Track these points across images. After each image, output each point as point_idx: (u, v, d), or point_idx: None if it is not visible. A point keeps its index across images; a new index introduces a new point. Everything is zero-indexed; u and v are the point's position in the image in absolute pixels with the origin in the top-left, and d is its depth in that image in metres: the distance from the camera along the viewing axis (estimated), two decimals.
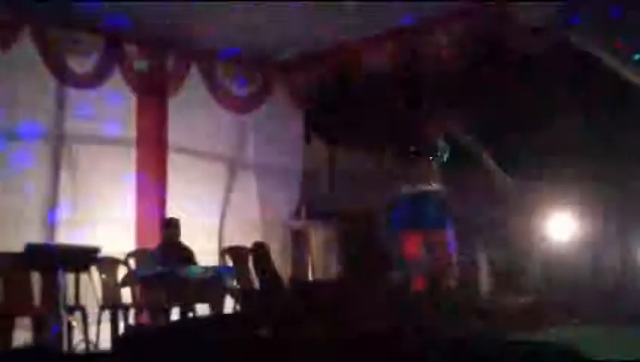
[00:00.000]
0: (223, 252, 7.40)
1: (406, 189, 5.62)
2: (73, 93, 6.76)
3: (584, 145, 7.90)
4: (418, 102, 6.20)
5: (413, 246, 5.96)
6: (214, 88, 7.71)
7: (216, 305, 6.62)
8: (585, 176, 7.68)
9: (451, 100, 7.95)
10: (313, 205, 8.60)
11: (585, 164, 7.78)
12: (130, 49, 7.16)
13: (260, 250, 7.34)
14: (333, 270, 8.62)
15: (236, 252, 7.37)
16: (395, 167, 6.05)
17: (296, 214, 8.52)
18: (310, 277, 8.38)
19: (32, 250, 4.99)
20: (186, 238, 6.89)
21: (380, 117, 8.39)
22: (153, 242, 6.86)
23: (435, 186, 5.87)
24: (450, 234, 5.98)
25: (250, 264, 7.31)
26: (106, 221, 6.74)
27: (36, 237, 6.11)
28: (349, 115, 8.47)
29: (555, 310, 7.05)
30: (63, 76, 6.60)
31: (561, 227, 7.59)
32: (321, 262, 8.76)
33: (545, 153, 8.08)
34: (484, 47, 6.83)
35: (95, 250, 5.33)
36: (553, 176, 7.88)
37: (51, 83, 6.60)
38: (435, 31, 7.08)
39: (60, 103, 6.72)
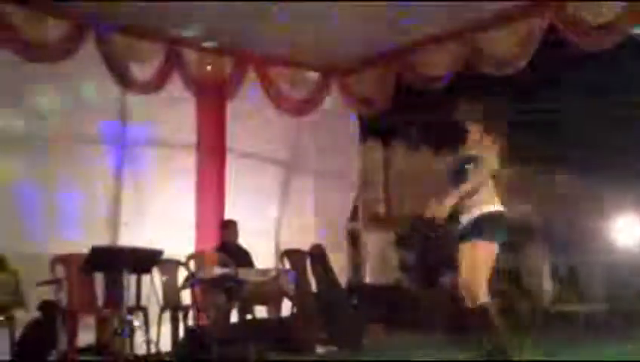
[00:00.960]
0: (281, 254, 7.44)
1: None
2: (136, 98, 6.90)
3: None
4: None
5: None
6: (271, 92, 7.78)
7: (274, 307, 6.67)
8: None
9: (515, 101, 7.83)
10: (370, 207, 8.59)
11: None
12: (190, 54, 7.27)
13: (317, 253, 7.35)
14: (390, 273, 8.58)
15: (294, 254, 7.40)
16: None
17: (353, 217, 8.52)
18: (367, 280, 8.37)
19: (97, 252, 5.12)
20: (244, 240, 6.97)
21: (438, 120, 8.33)
22: (212, 244, 6.96)
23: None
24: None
25: (308, 266, 7.33)
26: (167, 223, 6.84)
27: (100, 238, 6.24)
28: (406, 118, 8.44)
29: (621, 319, 6.85)
30: (126, 81, 6.74)
31: (628, 231, 7.38)
32: (378, 264, 8.74)
33: (611, 154, 7.88)
34: (547, 46, 6.70)
35: (159, 253, 5.43)
36: (620, 177, 7.67)
37: (114, 88, 6.74)
38: (496, 30, 6.95)
39: (123, 108, 6.87)
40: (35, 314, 5.31)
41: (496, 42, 6.92)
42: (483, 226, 4.28)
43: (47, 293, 5.34)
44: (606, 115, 7.87)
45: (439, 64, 7.37)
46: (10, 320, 5.08)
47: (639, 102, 7.42)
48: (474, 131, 4.61)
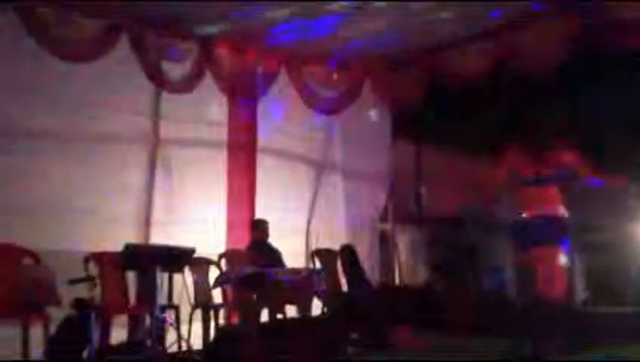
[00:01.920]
0: (312, 254, 7.43)
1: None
2: (168, 97, 6.93)
3: None
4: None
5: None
6: (302, 90, 7.77)
7: (305, 306, 6.65)
8: None
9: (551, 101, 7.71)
10: (401, 207, 8.53)
11: None
12: (221, 53, 7.28)
13: (348, 253, 7.33)
14: (421, 273, 8.51)
15: (325, 254, 7.38)
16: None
17: (384, 216, 8.47)
18: (398, 281, 8.31)
19: (130, 250, 5.15)
20: (274, 239, 6.97)
21: (472, 119, 8.25)
22: (243, 243, 6.98)
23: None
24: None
25: (339, 266, 7.31)
26: (198, 222, 6.87)
27: (132, 236, 6.29)
28: (438, 117, 8.36)
29: None
30: (159, 80, 6.77)
31: None
32: (409, 264, 8.67)
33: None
34: (581, 45, 6.59)
35: (191, 251, 5.45)
36: None
37: (148, 86, 6.77)
38: (531, 29, 6.87)
39: (156, 106, 6.90)
40: (68, 311, 5.34)
41: (529, 42, 6.86)
42: None
43: (81, 291, 5.37)
44: None
45: (471, 64, 7.31)
46: (44, 318, 5.12)
47: None
48: None
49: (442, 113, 8.34)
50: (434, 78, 7.72)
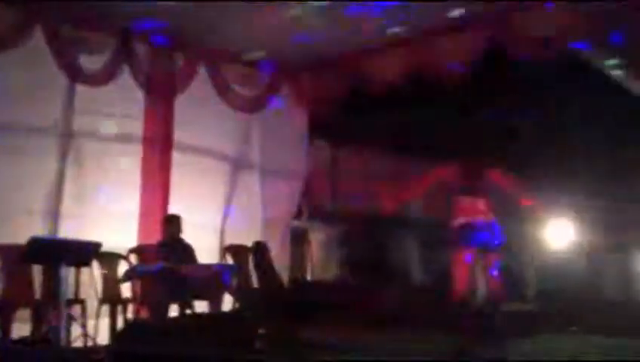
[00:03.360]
0: (224, 250, 7.51)
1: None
2: (83, 91, 6.87)
3: (588, 156, 7.96)
4: None
5: None
6: (221, 87, 7.81)
7: (215, 302, 6.73)
8: (587, 186, 7.75)
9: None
10: (315, 205, 8.71)
11: (587, 174, 7.85)
12: (140, 48, 7.27)
13: (259, 249, 7.44)
14: (333, 271, 8.71)
15: (237, 250, 7.47)
16: None
17: (298, 214, 8.62)
18: (310, 278, 8.48)
19: (35, 243, 5.12)
20: (188, 235, 6.99)
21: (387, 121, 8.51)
22: (156, 238, 6.97)
23: None
24: None
25: (250, 263, 7.42)
26: (110, 216, 6.84)
27: (41, 230, 6.22)
28: (356, 119, 8.58)
29: (555, 318, 7.14)
30: (73, 73, 6.70)
31: (560, 235, 7.65)
32: (321, 262, 8.86)
33: (547, 162, 8.15)
34: (493, 57, 6.92)
35: (97, 245, 5.45)
36: (555, 185, 7.95)
37: (61, 80, 6.70)
38: (444, 40, 7.15)
39: (70, 100, 6.83)
40: None
41: (444, 51, 7.14)
42: None
43: None
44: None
45: (389, 69, 7.55)
46: None
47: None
48: None
49: (360, 115, 8.57)
50: (352, 80, 7.90)
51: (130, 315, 6.41)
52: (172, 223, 6.92)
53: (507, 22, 6.79)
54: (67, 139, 6.76)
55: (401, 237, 8.67)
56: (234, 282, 6.80)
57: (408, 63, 7.45)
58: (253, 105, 8.11)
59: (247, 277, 7.33)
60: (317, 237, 8.70)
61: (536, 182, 7.92)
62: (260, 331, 6.49)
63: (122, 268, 6.52)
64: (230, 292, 6.85)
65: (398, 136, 8.94)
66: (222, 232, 7.85)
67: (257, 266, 7.33)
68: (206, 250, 7.23)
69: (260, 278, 7.28)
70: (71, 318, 5.61)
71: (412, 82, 7.49)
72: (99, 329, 6.10)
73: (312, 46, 7.52)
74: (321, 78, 8.26)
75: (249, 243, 7.61)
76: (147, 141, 7.35)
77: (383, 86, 7.63)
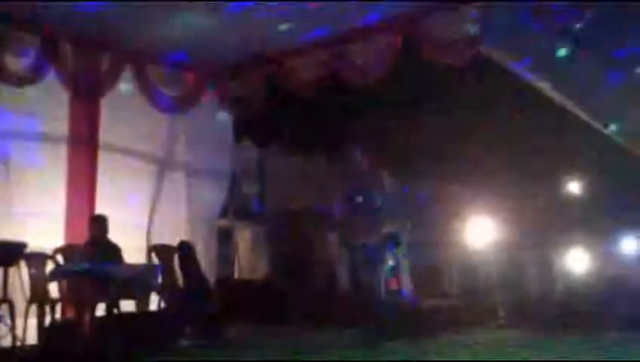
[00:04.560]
0: (150, 250, 7.63)
1: None
2: (9, 90, 6.86)
3: (504, 154, 8.49)
4: None
5: None
6: (146, 88, 7.91)
7: (142, 302, 6.87)
8: (503, 184, 8.28)
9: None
10: (241, 205, 8.92)
11: (504, 173, 8.39)
12: (66, 48, 7.29)
13: (185, 249, 7.60)
14: (261, 270, 8.95)
15: (162, 250, 7.60)
16: None
17: (224, 213, 8.80)
18: (236, 276, 8.69)
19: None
20: (114, 235, 7.07)
21: (308, 123, 8.82)
22: (82, 238, 7.02)
23: None
24: None
25: (176, 262, 7.57)
26: (37, 216, 6.86)
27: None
28: (278, 120, 8.85)
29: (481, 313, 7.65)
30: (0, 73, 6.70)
31: (481, 232, 8.10)
32: (248, 261, 9.10)
33: (465, 161, 8.64)
34: (403, 60, 7.26)
35: (22, 246, 5.51)
36: (473, 183, 8.46)
37: None
38: (358, 42, 7.46)
39: None
40: None
41: (359, 54, 7.45)
42: None
43: None
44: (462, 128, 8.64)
45: (308, 71, 7.82)
46: None
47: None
48: None
49: (284, 116, 8.84)
50: (274, 82, 8.14)
51: (57, 315, 6.47)
52: (98, 223, 6.97)
53: (421, 24, 7.11)
54: None
55: (327, 236, 8.96)
56: (160, 281, 6.94)
57: (326, 65, 7.73)
58: (179, 106, 8.23)
59: (173, 277, 7.48)
60: (243, 236, 8.91)
61: (458, 182, 8.38)
62: (186, 330, 6.72)
63: (50, 267, 6.57)
64: (156, 292, 7.00)
65: (322, 137, 9.27)
66: (148, 232, 7.96)
67: (182, 266, 7.49)
68: (133, 250, 7.32)
69: (185, 277, 7.45)
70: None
71: (330, 84, 7.78)
72: (27, 328, 6.15)
73: (233, 47, 7.73)
74: (243, 80, 8.45)
75: (175, 243, 7.75)
76: (73, 141, 7.38)
77: (303, 87, 7.88)
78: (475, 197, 8.52)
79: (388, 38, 7.27)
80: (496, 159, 8.52)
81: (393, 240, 8.12)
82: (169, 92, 8.14)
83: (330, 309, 7.83)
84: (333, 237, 8.90)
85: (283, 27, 7.27)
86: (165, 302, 7.05)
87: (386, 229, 8.19)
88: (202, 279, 7.49)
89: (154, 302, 7.09)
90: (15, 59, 6.88)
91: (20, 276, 6.29)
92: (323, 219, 9.01)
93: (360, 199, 8.58)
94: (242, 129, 8.88)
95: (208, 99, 8.48)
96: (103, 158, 7.58)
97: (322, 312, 7.76)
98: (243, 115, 8.65)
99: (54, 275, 6.37)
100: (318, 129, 9.09)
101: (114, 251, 6.91)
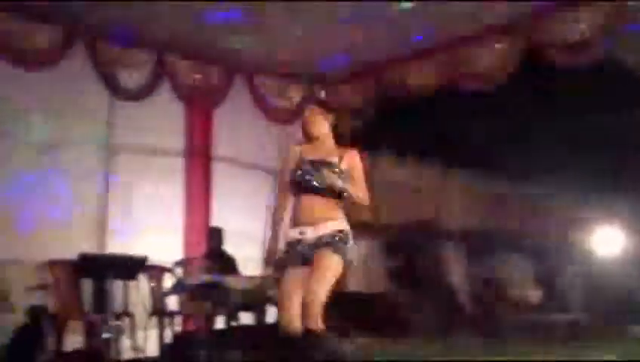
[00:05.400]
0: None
1: None
2: (125, 105, 6.98)
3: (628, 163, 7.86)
4: None
5: None
6: (259, 100, 7.90)
7: (260, 313, 6.75)
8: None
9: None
10: (356, 215, 8.67)
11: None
12: (178, 63, 7.37)
13: None
14: (374, 282, 8.68)
15: (279, 261, 7.46)
16: None
17: None
18: (352, 289, 8.44)
19: (84, 259, 5.21)
20: (230, 247, 7.05)
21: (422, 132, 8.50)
22: (199, 251, 7.04)
23: None
24: None
25: None
26: (155, 229, 6.92)
27: (89, 244, 6.32)
28: (389, 129, 8.59)
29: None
30: (115, 89, 6.83)
31: (605, 241, 7.55)
32: (362, 273, 8.84)
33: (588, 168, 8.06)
34: (524, 63, 6.85)
35: (143, 260, 5.52)
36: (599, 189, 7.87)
37: (103, 95, 6.82)
38: (478, 47, 7.10)
39: (112, 115, 6.94)
40: (23, 319, 5.36)
41: (477, 58, 7.10)
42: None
43: (36, 298, 5.40)
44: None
45: (422, 77, 7.53)
46: None
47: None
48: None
49: (396, 124, 8.57)
50: (386, 90, 7.91)
51: (177, 327, 6.46)
52: (214, 235, 6.99)
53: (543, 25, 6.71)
54: (111, 154, 6.88)
55: (441, 247, 8.63)
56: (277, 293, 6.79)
57: (441, 70, 7.42)
58: (292, 116, 8.15)
59: None
60: (359, 247, 8.66)
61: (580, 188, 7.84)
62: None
63: (169, 280, 6.57)
64: (274, 304, 6.85)
65: (435, 145, 8.93)
66: (264, 243, 7.86)
67: None
68: (249, 262, 7.26)
69: None
70: (120, 330, 5.68)
71: (445, 91, 7.46)
72: (147, 341, 6.16)
73: (342, 55, 7.56)
74: (354, 88, 8.27)
75: None
76: (188, 154, 7.47)
77: (417, 95, 7.60)
78: (599, 204, 7.92)
79: (508, 40, 6.89)
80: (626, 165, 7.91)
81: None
82: (278, 102, 8.06)
83: (451, 322, 7.47)
84: (451, 250, 8.52)
85: (394, 32, 7.01)
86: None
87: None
88: None
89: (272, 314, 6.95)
90: (130, 76, 7.01)
91: (139, 289, 6.32)
92: (441, 231, 8.65)
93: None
94: (352, 138, 8.65)
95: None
96: (217, 170, 7.59)
97: (444, 325, 7.41)
98: (352, 124, 8.45)
99: (175, 289, 6.35)
100: (433, 138, 8.74)
101: (231, 263, 6.87)
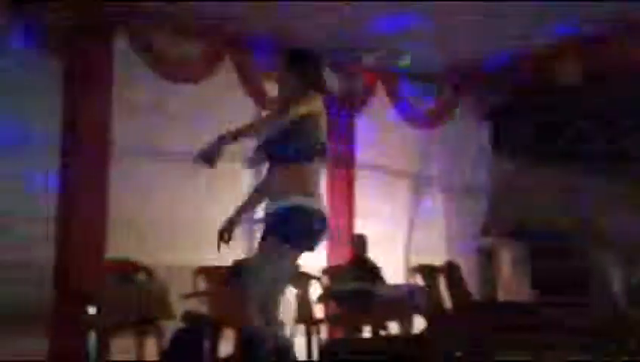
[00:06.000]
0: (414, 270, 7.37)
1: None
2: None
3: None
4: None
5: None
6: (398, 104, 7.77)
7: (406, 323, 6.60)
8: None
9: None
10: (502, 222, 8.34)
11: None
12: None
13: (452, 270, 7.23)
14: (525, 291, 8.29)
15: (427, 270, 7.29)
16: None
17: (484, 231, 8.30)
18: (499, 298, 8.13)
19: (237, 266, 5.28)
20: (372, 254, 6.95)
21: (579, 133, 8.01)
22: (342, 258, 7.00)
23: None
24: None
25: (441, 283, 7.22)
26: None
27: (236, 253, 6.41)
28: (540, 128, 8.18)
29: None
30: (262, 101, 6.93)
31: None
32: (511, 282, 8.47)
33: None
34: None
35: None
36: None
37: (251, 107, 6.94)
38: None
39: None
40: (179, 324, 5.51)
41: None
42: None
43: (190, 304, 5.53)
44: None
45: (567, 73, 7.14)
46: (157, 330, 5.30)
47: None
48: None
49: (548, 124, 8.16)
50: (533, 88, 7.56)
51: (323, 335, 6.43)
52: (359, 243, 6.92)
53: None
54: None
55: (603, 255, 8.09)
56: (425, 303, 6.62)
57: (591, 67, 6.98)
58: (433, 120, 7.98)
59: (439, 298, 7.13)
60: (505, 256, 8.32)
61: None
62: (457, 354, 6.29)
63: (314, 288, 6.57)
64: (421, 314, 6.68)
65: (587, 145, 8.40)
66: (406, 251, 7.76)
67: (451, 287, 7.10)
68: (391, 269, 7.15)
69: (453, 299, 7.06)
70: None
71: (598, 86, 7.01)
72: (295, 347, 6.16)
73: (486, 52, 7.29)
74: (498, 86, 7.96)
75: (433, 262, 7.43)
76: (331, 161, 7.43)
77: (564, 91, 7.20)
78: None
79: None
80: None
81: None
82: (423, 105, 7.91)
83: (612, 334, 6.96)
84: (609, 258, 7.97)
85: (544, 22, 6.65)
86: (431, 325, 6.69)
87: None
88: (471, 301, 7.05)
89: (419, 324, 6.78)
90: (275, 87, 7.05)
91: (286, 296, 6.33)
92: (597, 236, 8.10)
93: None
94: (501, 139, 8.34)
95: (463, 110, 8.09)
96: (360, 176, 7.55)
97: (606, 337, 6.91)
98: (502, 125, 8.14)
99: (325, 297, 6.34)
100: (592, 140, 8.23)
101: (376, 271, 6.77)
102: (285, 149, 3.32)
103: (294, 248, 3.30)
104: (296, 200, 3.28)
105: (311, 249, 3.35)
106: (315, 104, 3.41)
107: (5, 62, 5.46)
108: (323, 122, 3.50)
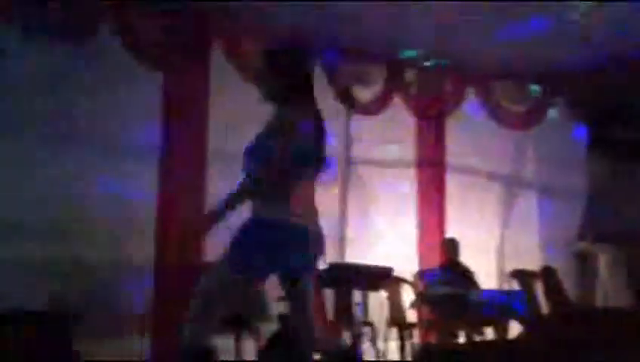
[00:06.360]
0: (510, 275, 7.20)
1: None
2: (357, 118, 7.08)
3: None
4: None
5: None
6: (491, 107, 7.64)
7: (501, 329, 6.46)
8: None
9: None
10: (600, 226, 8.05)
11: None
12: (409, 74, 7.36)
13: (549, 275, 7.02)
14: (625, 297, 7.96)
15: (523, 275, 7.11)
16: None
17: (581, 235, 8.02)
18: (599, 304, 7.83)
19: (333, 268, 5.30)
20: (464, 258, 6.86)
21: None
22: (434, 262, 6.94)
23: None
24: None
25: (539, 289, 7.02)
26: (389, 240, 6.96)
27: (329, 253, 6.46)
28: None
29: None
30: (349, 104, 6.94)
31: None
32: (609, 288, 8.15)
33: None
34: None
35: (390, 271, 5.51)
36: None
37: (340, 110, 6.96)
38: None
39: (348, 129, 7.07)
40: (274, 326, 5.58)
41: None
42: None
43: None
44: None
45: None
46: (255, 332, 5.39)
47: None
48: None
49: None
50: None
51: (415, 339, 6.38)
52: (450, 247, 6.84)
53: None
54: (348, 166, 7.00)
55: None
56: (524, 308, 6.46)
57: None
58: (527, 122, 7.79)
59: (537, 304, 6.93)
60: (603, 260, 8.02)
61: None
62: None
63: (406, 291, 6.53)
64: (519, 320, 6.51)
65: None
66: (499, 255, 7.60)
67: (549, 292, 6.89)
68: (483, 274, 7.02)
69: (551, 305, 6.85)
70: (361, 339, 5.71)
71: None
72: (388, 351, 6.15)
73: (577, 51, 7.05)
74: (594, 86, 7.68)
75: (527, 267, 7.23)
76: (420, 164, 7.41)
77: None
78: None
79: None
80: None
81: None
82: (514, 107, 7.74)
83: None
84: None
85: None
86: (529, 331, 6.51)
87: None
88: (570, 307, 6.82)
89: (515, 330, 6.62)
90: (363, 90, 7.11)
91: (380, 300, 6.33)
92: None
93: None
94: (599, 142, 8.05)
95: (559, 109, 7.87)
96: (451, 180, 7.48)
97: None
98: (601, 127, 7.86)
99: (419, 301, 6.29)
100: None
101: (469, 275, 6.67)
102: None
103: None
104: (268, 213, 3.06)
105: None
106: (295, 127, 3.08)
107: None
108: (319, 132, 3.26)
